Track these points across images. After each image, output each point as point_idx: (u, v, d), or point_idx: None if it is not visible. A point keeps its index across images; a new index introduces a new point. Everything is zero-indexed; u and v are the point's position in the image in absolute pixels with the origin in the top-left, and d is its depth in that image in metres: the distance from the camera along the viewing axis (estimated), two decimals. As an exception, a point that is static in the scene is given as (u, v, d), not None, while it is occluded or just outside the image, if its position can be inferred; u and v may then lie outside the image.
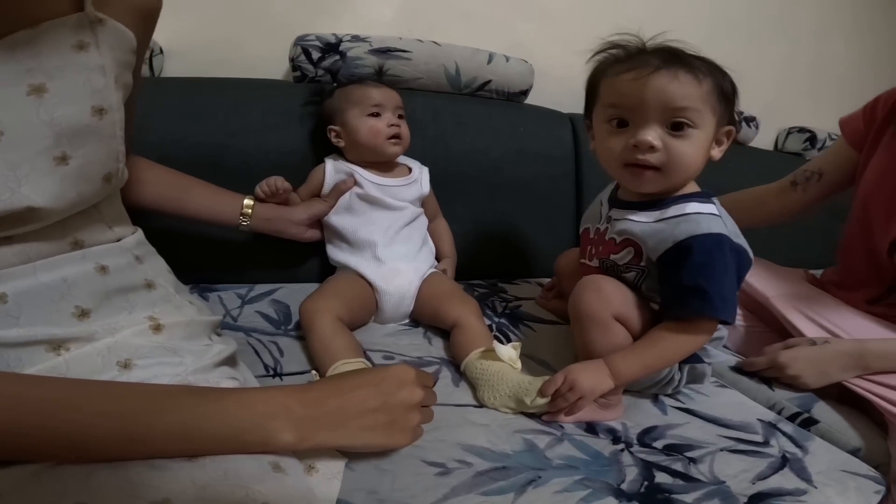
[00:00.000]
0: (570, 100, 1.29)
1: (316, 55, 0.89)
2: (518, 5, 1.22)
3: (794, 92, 1.69)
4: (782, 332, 0.73)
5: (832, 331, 0.69)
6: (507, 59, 1.02)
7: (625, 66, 0.51)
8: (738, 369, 0.70)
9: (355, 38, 0.91)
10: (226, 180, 0.69)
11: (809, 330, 0.70)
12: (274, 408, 0.33)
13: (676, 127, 0.50)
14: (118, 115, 0.40)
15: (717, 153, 0.54)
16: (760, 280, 0.78)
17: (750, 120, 1.39)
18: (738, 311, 0.79)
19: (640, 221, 0.54)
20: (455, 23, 1.16)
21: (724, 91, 0.52)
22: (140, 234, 0.46)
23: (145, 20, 0.44)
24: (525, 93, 1.04)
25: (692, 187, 0.55)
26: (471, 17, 1.17)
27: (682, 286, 0.50)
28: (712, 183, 0.62)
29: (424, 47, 0.95)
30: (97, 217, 0.40)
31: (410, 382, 0.40)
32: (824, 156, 0.85)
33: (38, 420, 0.28)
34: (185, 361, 0.39)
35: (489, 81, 0.97)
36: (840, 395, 0.65)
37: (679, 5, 1.41)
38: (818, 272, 0.88)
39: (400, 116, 0.73)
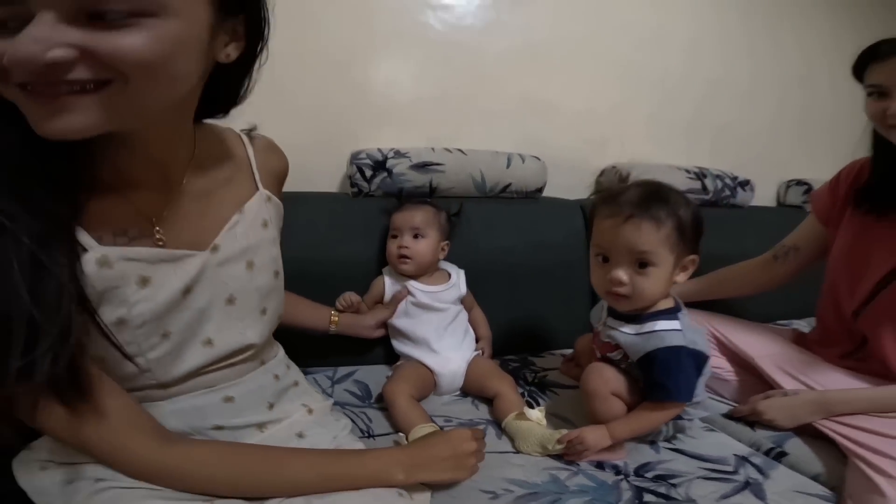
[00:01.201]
0: (580, 185, 1.60)
1: (368, 173, 1.21)
2: (528, 103, 1.53)
3: (788, 144, 1.95)
4: (768, 383, 0.97)
5: (806, 383, 0.92)
6: (523, 159, 1.32)
7: (606, 210, 0.77)
8: (727, 415, 0.94)
9: (398, 154, 1.23)
10: (310, 289, 0.98)
11: (787, 383, 0.93)
12: (391, 460, 0.61)
13: (642, 265, 0.75)
14: (282, 272, 0.70)
15: (681, 278, 0.79)
16: (748, 344, 1.02)
17: (744, 184, 1.64)
18: (731, 367, 1.05)
19: (625, 333, 0.79)
20: (476, 124, 1.48)
21: (684, 229, 0.74)
22: (282, 348, 0.75)
23: (281, 183, 0.74)
24: (540, 189, 1.35)
25: (665, 303, 0.81)
26: (488, 116, 1.49)
27: (651, 381, 0.77)
28: (720, 246, 0.97)
29: (454, 158, 1.26)
30: (268, 342, 0.70)
31: (468, 438, 0.68)
32: (799, 231, 1.09)
33: (261, 470, 0.55)
34: (332, 432, 0.68)
35: (510, 184, 1.29)
36: (814, 432, 0.87)
37: (672, 78, 1.72)
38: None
39: (417, 235, 1.01)
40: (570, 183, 1.54)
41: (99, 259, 0.50)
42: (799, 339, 1.07)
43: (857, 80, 0.91)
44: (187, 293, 0.56)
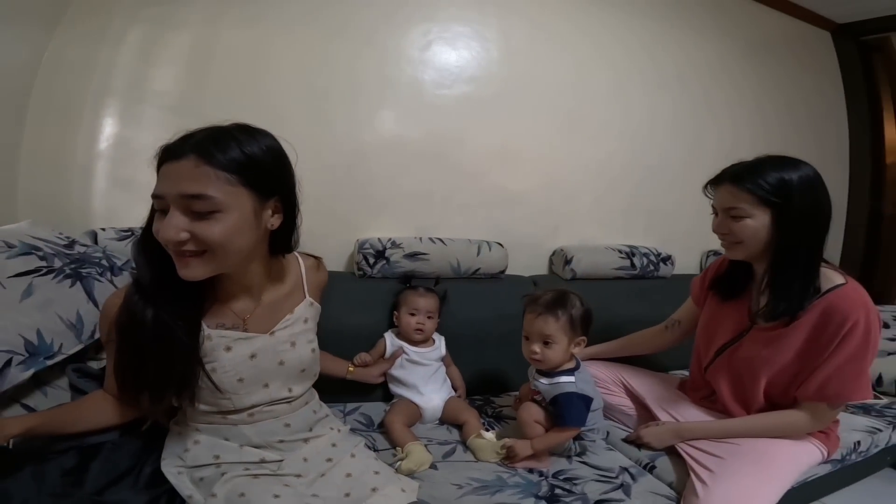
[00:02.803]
0: (535, 264, 2.07)
1: (371, 260, 1.66)
2: (496, 195, 1.99)
3: (710, 218, 2.34)
4: (653, 415, 1.41)
5: (674, 416, 1.36)
6: (490, 247, 1.78)
7: (529, 309, 1.25)
8: (624, 439, 1.37)
9: (394, 245, 1.68)
10: (328, 346, 1.39)
11: (663, 416, 1.37)
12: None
13: (546, 343, 1.22)
14: (318, 349, 1.10)
15: (576, 350, 1.25)
16: (644, 388, 1.46)
17: (666, 259, 2.12)
18: (632, 405, 1.48)
19: (542, 383, 1.25)
20: (453, 214, 1.93)
21: (574, 322, 1.22)
22: (316, 393, 1.16)
23: (322, 290, 1.16)
24: (503, 271, 1.81)
25: (568, 365, 1.26)
26: (463, 208, 1.94)
27: (556, 414, 1.22)
28: (644, 312, 1.49)
29: (436, 247, 1.72)
30: (309, 390, 1.10)
31: None
32: (682, 309, 1.53)
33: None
34: (353, 443, 1.08)
35: (479, 269, 1.75)
36: (677, 452, 1.31)
37: (614, 167, 2.21)
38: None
39: (429, 317, 1.46)
40: (528, 262, 2.01)
41: (205, 336, 0.93)
42: (681, 385, 1.52)
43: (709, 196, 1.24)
44: (253, 357, 0.97)
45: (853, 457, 1.44)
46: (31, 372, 0.95)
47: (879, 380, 1.84)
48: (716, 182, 1.22)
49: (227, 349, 0.95)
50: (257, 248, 0.93)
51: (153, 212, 0.85)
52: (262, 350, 0.98)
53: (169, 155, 0.81)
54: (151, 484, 0.92)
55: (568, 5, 2.08)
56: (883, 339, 2.03)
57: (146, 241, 0.87)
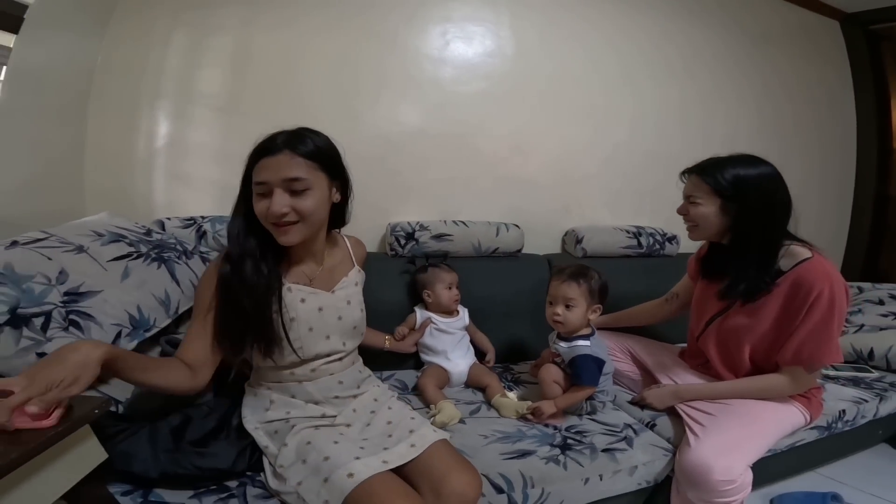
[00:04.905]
0: (549, 243, 2.25)
1: (402, 241, 1.86)
2: (512, 180, 2.16)
3: None
4: (655, 381, 1.60)
5: (674, 379, 1.55)
6: (508, 228, 1.96)
7: (555, 277, 1.45)
8: (630, 401, 1.57)
9: (422, 227, 1.87)
10: (372, 317, 1.58)
11: (664, 380, 1.56)
12: None
13: (568, 306, 1.41)
14: (365, 310, 1.31)
15: (592, 317, 1.45)
16: (648, 356, 1.65)
17: (671, 238, 2.27)
18: (637, 371, 1.68)
19: (562, 347, 1.44)
20: (473, 199, 2.11)
21: (593, 291, 1.42)
22: (360, 357, 1.37)
23: (364, 260, 1.37)
24: (519, 250, 1.99)
25: (584, 331, 1.45)
26: (483, 193, 2.12)
27: (573, 374, 1.41)
28: (649, 287, 1.64)
29: (459, 229, 1.91)
30: (356, 351, 1.31)
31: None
32: (680, 283, 1.71)
33: None
34: (392, 395, 1.29)
35: (498, 248, 1.93)
36: (676, 413, 1.50)
37: (620, 152, 2.37)
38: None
39: (458, 288, 1.67)
40: (542, 242, 2.19)
41: (286, 289, 1.15)
42: (681, 354, 1.70)
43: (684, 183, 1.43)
44: (321, 310, 1.18)
45: (839, 425, 1.59)
46: (135, 343, 1.14)
47: (871, 353, 1.98)
48: (688, 171, 1.42)
49: (302, 301, 1.16)
50: (325, 219, 1.17)
51: (241, 199, 1.12)
52: (327, 305, 1.19)
53: (265, 152, 1.06)
54: (238, 437, 1.13)
55: (577, 1, 2.22)
56: (877, 315, 2.18)
57: (247, 220, 1.12)
